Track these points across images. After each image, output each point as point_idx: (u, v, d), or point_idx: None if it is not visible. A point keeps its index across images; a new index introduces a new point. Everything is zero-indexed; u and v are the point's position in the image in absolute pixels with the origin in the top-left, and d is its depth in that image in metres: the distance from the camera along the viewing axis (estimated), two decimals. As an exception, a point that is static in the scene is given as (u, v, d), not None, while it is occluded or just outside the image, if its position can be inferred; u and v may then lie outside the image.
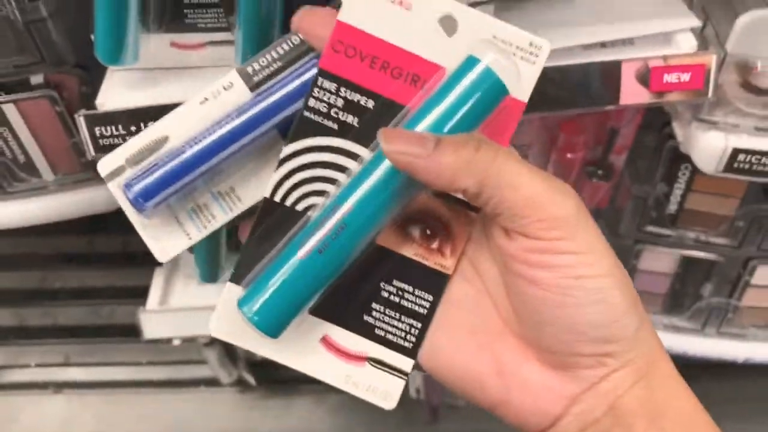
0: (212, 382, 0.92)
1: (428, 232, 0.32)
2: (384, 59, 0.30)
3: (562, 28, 0.49)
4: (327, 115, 0.31)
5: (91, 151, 0.48)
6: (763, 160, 0.51)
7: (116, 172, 0.35)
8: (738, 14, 0.49)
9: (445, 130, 0.29)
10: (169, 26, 0.48)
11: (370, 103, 0.31)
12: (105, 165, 0.35)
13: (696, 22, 0.48)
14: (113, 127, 0.48)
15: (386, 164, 0.29)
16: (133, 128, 0.48)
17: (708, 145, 0.52)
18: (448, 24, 0.30)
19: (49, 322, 0.97)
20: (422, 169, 0.28)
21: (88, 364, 0.95)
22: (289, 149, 0.32)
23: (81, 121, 0.47)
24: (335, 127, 0.31)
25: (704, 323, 0.74)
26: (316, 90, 0.31)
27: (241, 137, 0.33)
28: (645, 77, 0.47)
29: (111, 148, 0.48)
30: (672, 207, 0.64)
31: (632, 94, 0.47)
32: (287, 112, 0.33)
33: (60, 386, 0.94)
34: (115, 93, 0.49)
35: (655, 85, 0.47)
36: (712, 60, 0.46)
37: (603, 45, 0.49)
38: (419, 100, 0.30)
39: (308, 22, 0.32)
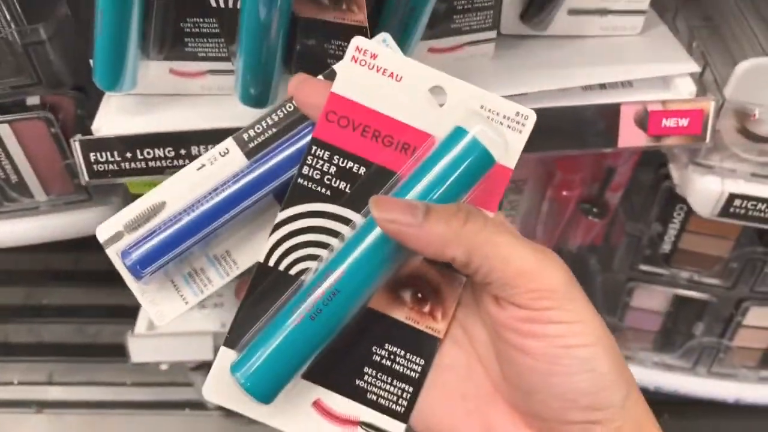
0: (197, 405, 0.91)
1: (419, 295, 0.33)
2: (375, 128, 0.32)
3: (562, 68, 0.50)
4: (320, 182, 0.32)
5: (85, 177, 0.48)
6: (759, 205, 0.51)
7: (114, 238, 0.35)
8: (736, 61, 0.49)
9: (435, 198, 0.30)
10: (169, 53, 0.48)
11: (362, 171, 0.32)
12: (103, 231, 0.35)
13: (695, 68, 0.49)
14: (108, 153, 0.47)
15: (377, 231, 0.30)
16: (128, 155, 0.48)
17: (704, 189, 0.52)
18: (437, 94, 0.31)
19: (34, 339, 0.96)
20: (412, 237, 0.29)
21: (72, 383, 0.93)
22: (283, 215, 0.32)
23: (76, 146, 0.47)
24: (328, 193, 0.32)
25: (695, 362, 0.73)
26: (309, 158, 0.32)
27: (237, 204, 0.34)
28: (643, 121, 0.47)
29: (105, 174, 0.48)
30: (666, 246, 0.64)
31: (630, 137, 0.47)
32: (282, 179, 0.34)
33: (42, 405, 0.92)
34: (112, 118, 0.49)
35: (653, 129, 0.47)
36: (710, 106, 0.47)
37: (602, 86, 0.50)
38: (409, 168, 0.31)
39: (302, 92, 0.33)
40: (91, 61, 0.46)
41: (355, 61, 0.31)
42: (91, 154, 0.47)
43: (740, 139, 0.49)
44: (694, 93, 0.48)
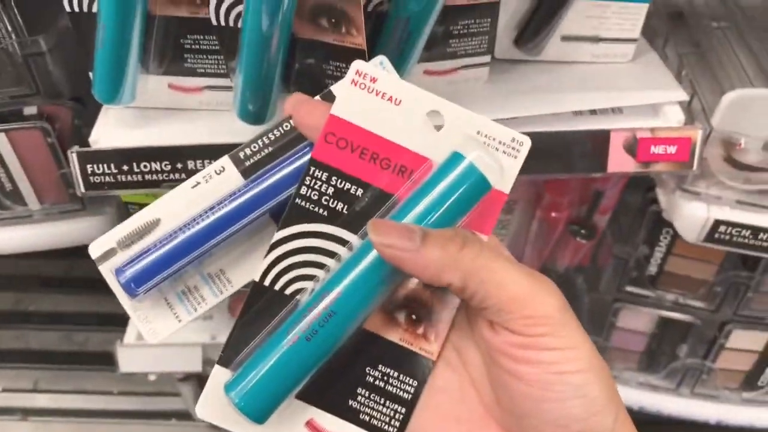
0: (184, 416, 0.91)
1: (414, 317, 0.33)
2: (374, 151, 0.32)
3: (553, 93, 0.51)
4: (318, 203, 0.32)
5: (81, 188, 0.48)
6: (743, 232, 0.52)
7: (107, 255, 0.35)
8: (724, 90, 0.50)
9: (431, 222, 0.30)
10: (168, 68, 0.49)
11: (360, 192, 0.32)
12: (96, 247, 0.35)
13: (684, 96, 0.50)
14: (105, 165, 0.48)
15: (374, 253, 0.30)
16: (125, 167, 0.48)
17: (690, 215, 0.53)
18: (435, 119, 0.32)
19: (21, 345, 0.95)
20: (409, 262, 0.29)
21: (58, 391, 0.93)
22: (279, 234, 0.32)
23: (73, 158, 0.48)
24: (325, 214, 0.32)
25: (679, 383, 0.74)
26: (308, 178, 0.32)
27: (233, 223, 0.34)
28: (632, 147, 0.48)
29: (102, 186, 0.49)
30: (652, 269, 0.65)
31: (619, 162, 0.48)
32: (278, 199, 0.34)
33: (27, 413, 0.91)
34: (110, 131, 0.50)
35: (641, 156, 0.48)
36: (698, 134, 0.48)
37: (593, 112, 0.51)
38: (407, 191, 0.32)
39: (300, 112, 0.33)
40: (90, 74, 0.46)
41: (355, 85, 0.32)
42: (88, 166, 0.48)
43: (726, 167, 0.51)
44: (682, 121, 0.49)
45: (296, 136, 0.35)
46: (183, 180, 0.36)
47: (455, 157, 0.31)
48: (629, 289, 0.68)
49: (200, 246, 0.34)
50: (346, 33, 0.42)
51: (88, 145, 0.49)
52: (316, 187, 0.32)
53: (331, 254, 0.33)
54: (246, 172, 0.35)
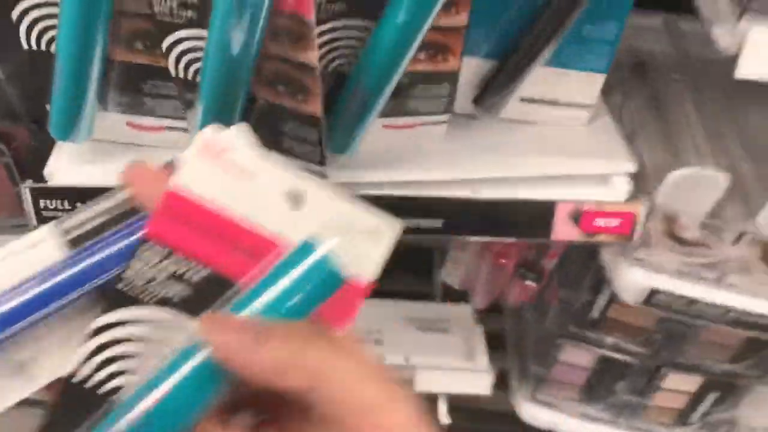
0: None
1: (256, 419, 0.28)
2: (219, 230, 0.28)
3: (507, 156, 0.52)
4: (149, 286, 0.28)
5: (34, 223, 0.48)
6: (679, 301, 0.54)
7: None
8: (674, 158, 0.52)
9: (276, 316, 0.27)
10: (127, 108, 0.48)
11: (198, 277, 0.28)
12: None
13: (632, 168, 0.51)
14: (59, 202, 0.48)
15: (207, 350, 0.26)
16: (79, 205, 0.48)
17: (630, 280, 0.55)
18: (294, 199, 0.29)
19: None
20: (243, 364, 0.25)
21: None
22: (100, 321, 0.28)
23: (26, 193, 0.48)
24: (157, 299, 0.28)
25: (616, 415, 0.77)
26: (139, 257, 0.28)
27: (48, 303, 0.29)
28: (577, 218, 0.49)
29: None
30: (595, 314, 0.67)
31: (563, 231, 0.50)
32: (105, 278, 0.30)
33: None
34: (65, 165, 0.49)
35: (585, 226, 0.50)
36: (641, 209, 0.49)
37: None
38: (252, 280, 0.28)
39: (137, 180, 0.30)
40: (47, 106, 0.46)
41: (203, 155, 0.28)
42: (41, 201, 0.48)
43: (667, 240, 0.52)
44: (628, 193, 0.51)
45: (133, 207, 0.31)
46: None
47: (306, 247, 0.27)
48: (572, 328, 0.70)
49: (6, 328, 0.29)
50: (303, 101, 0.42)
51: (46, 166, 0.49)
52: (147, 267, 0.28)
53: (160, 347, 0.28)
54: (70, 245, 0.31)
